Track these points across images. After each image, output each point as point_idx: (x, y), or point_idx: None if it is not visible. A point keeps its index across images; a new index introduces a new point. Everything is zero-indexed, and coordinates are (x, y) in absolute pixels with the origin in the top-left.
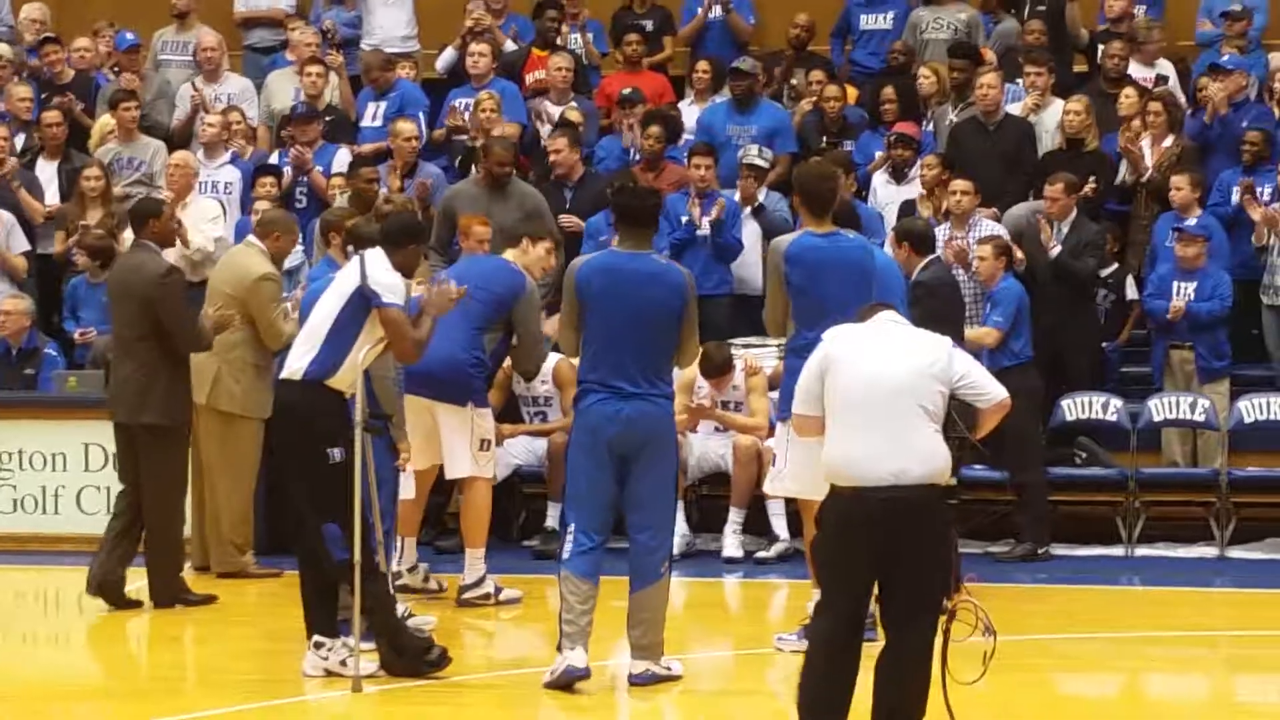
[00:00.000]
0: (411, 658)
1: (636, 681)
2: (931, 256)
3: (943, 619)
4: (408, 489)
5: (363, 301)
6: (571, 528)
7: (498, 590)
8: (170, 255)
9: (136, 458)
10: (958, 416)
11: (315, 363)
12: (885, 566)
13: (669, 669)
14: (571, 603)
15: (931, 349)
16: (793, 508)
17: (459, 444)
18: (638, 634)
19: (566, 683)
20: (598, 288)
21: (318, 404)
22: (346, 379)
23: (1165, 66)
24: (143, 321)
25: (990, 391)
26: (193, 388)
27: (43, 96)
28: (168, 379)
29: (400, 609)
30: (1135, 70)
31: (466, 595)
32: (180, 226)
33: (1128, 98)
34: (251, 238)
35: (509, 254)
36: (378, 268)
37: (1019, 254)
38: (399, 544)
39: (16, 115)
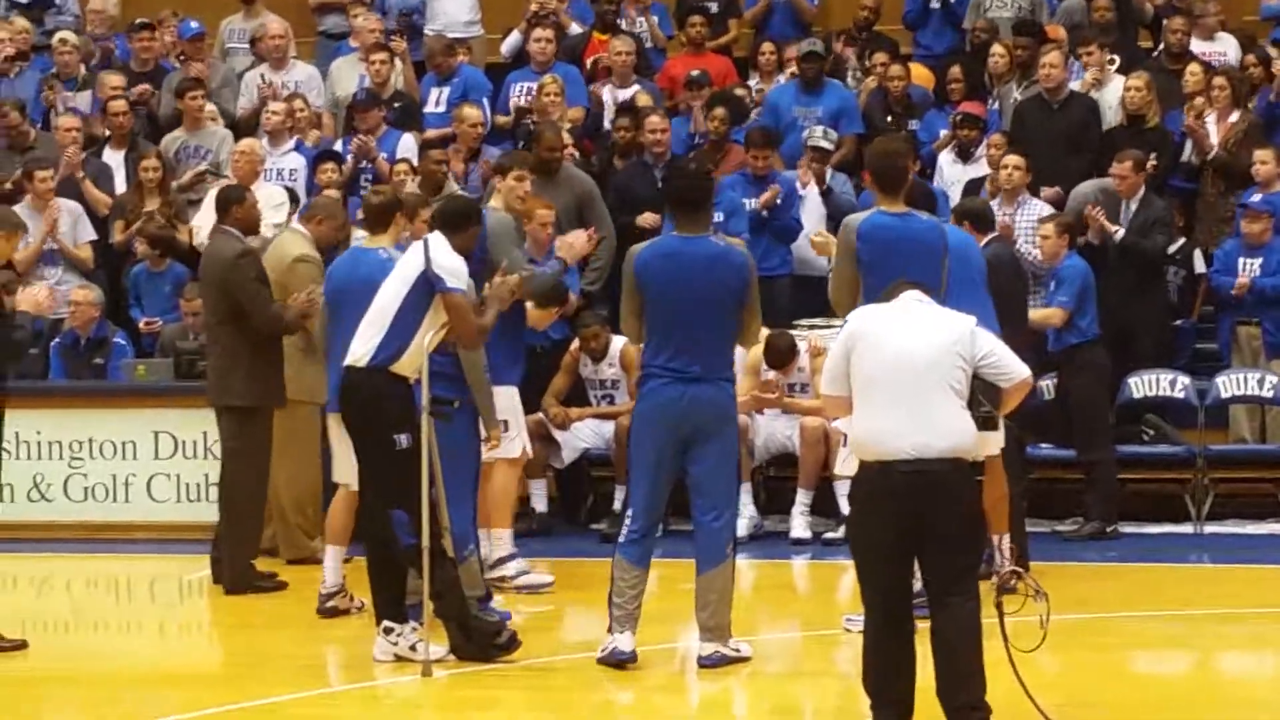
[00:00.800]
0: (481, 642)
1: (705, 663)
2: (993, 235)
3: (993, 594)
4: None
5: (427, 286)
6: (630, 512)
7: (517, 575)
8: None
9: None
10: (982, 395)
11: (381, 348)
12: (915, 540)
13: (738, 650)
14: (621, 587)
15: (954, 327)
16: None
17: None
18: (705, 615)
19: (615, 664)
20: (657, 273)
21: (384, 389)
22: (412, 364)
23: (1226, 41)
24: (222, 305)
25: (1013, 371)
26: None
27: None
28: (249, 361)
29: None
30: (1196, 46)
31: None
32: None
33: (1193, 75)
34: (295, 222)
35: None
36: (441, 252)
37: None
38: (487, 534)
39: (103, 100)
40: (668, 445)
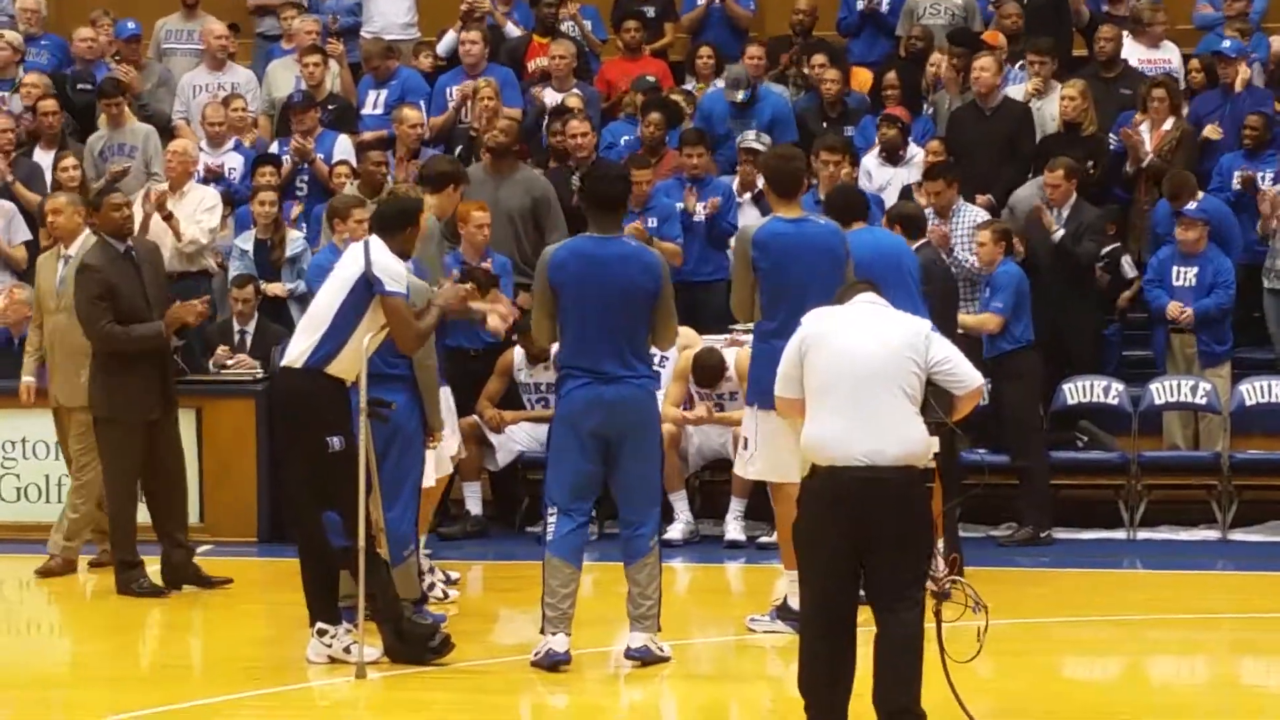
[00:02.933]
0: (414, 644)
1: (633, 655)
2: (923, 240)
3: (933, 601)
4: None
5: (366, 288)
6: (553, 510)
7: (442, 581)
8: (165, 247)
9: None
10: (934, 401)
11: (317, 349)
12: (862, 547)
13: (661, 649)
14: (553, 586)
15: (909, 330)
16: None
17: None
18: (633, 606)
19: (550, 665)
20: (573, 273)
21: (318, 391)
22: (348, 366)
23: (1170, 49)
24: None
25: (967, 378)
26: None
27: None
28: (97, 370)
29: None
30: (1140, 53)
31: None
32: (172, 218)
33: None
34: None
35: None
36: (380, 254)
37: (1019, 246)
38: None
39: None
40: (589, 444)
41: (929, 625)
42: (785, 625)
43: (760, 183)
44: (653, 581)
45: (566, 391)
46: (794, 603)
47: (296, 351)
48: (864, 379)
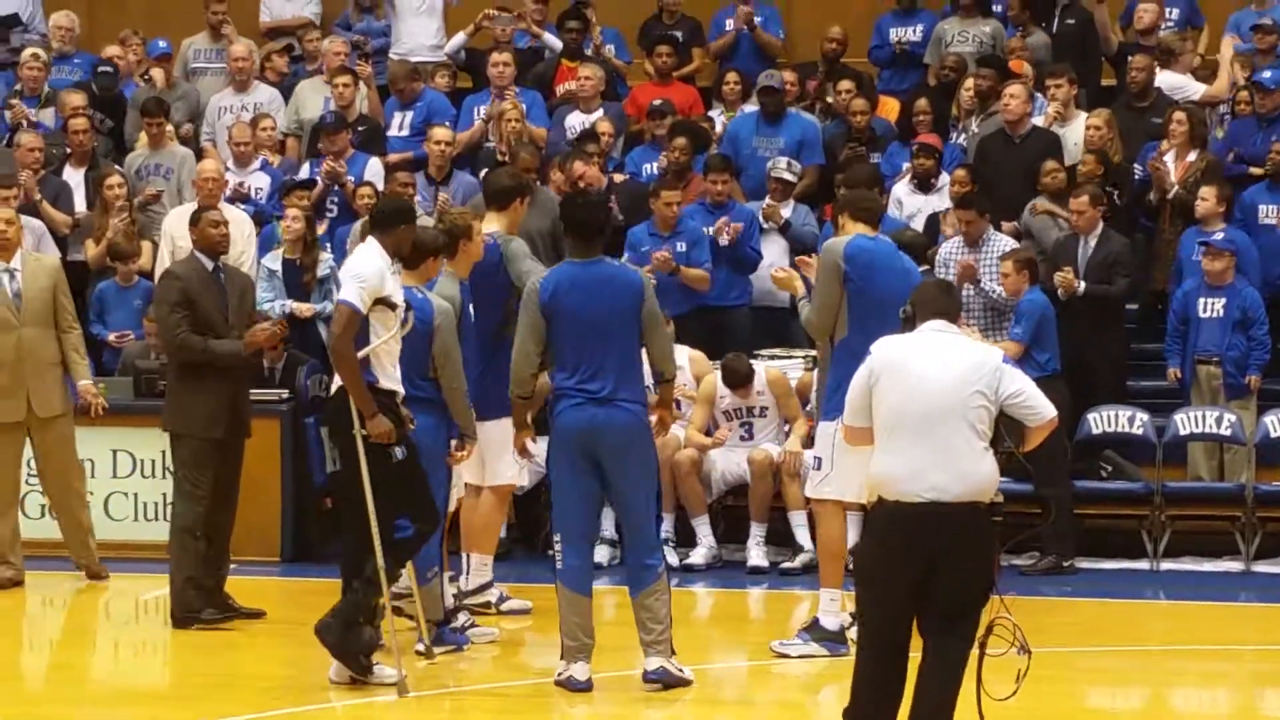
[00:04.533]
0: (350, 645)
1: (651, 678)
2: (925, 267)
3: (980, 632)
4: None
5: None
6: (559, 539)
7: (502, 599)
8: None
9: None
10: (1005, 432)
11: (365, 369)
12: (925, 580)
13: (682, 671)
14: (569, 618)
15: (980, 363)
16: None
17: (495, 453)
18: (644, 632)
19: (572, 690)
20: (564, 298)
21: (380, 407)
22: (390, 376)
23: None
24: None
25: (1041, 409)
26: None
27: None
28: (175, 387)
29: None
30: (1173, 80)
31: (468, 600)
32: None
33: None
34: None
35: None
36: (354, 258)
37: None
38: (464, 560)
39: (64, 120)
40: (584, 464)
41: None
42: (819, 647)
43: (786, 211)
44: (663, 607)
45: (559, 412)
46: (827, 622)
47: None
48: (932, 412)
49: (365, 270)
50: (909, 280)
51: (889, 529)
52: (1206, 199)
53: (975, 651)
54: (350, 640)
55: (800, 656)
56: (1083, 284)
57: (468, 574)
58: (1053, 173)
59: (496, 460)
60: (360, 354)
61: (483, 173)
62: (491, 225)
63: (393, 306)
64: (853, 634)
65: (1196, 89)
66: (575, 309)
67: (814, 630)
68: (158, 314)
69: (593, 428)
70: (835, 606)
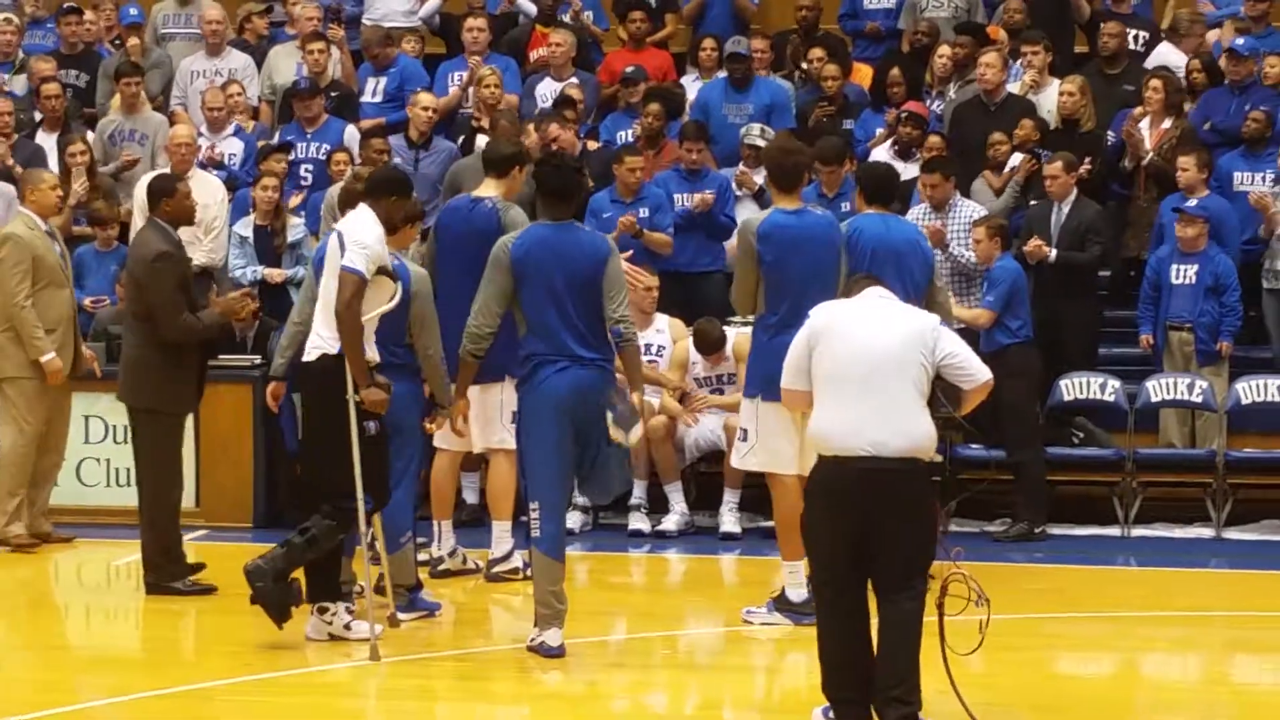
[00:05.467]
0: (275, 596)
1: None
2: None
3: (934, 594)
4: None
5: None
6: (535, 505)
7: (526, 565)
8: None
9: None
10: (943, 395)
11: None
12: (867, 537)
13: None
14: (543, 585)
15: (917, 325)
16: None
17: (490, 416)
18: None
19: (545, 656)
20: (535, 261)
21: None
22: (370, 348)
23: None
24: (137, 302)
25: (976, 372)
26: None
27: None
28: (160, 364)
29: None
30: (1174, 58)
31: (495, 569)
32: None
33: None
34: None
35: (491, 187)
36: (352, 225)
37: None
38: (435, 528)
39: (34, 85)
40: (566, 433)
41: (930, 618)
42: (782, 617)
43: (759, 178)
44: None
45: (544, 378)
46: (792, 594)
47: (324, 338)
48: (872, 370)
49: (368, 238)
50: (831, 257)
51: (828, 488)
52: (1188, 168)
53: (934, 614)
54: (277, 591)
55: (762, 624)
56: (1054, 252)
57: (438, 541)
58: (998, 144)
59: (499, 424)
60: (372, 318)
61: (461, 138)
62: (490, 190)
63: (392, 276)
64: None
65: (1180, 59)
66: (545, 271)
67: (779, 601)
68: (157, 299)
69: (578, 390)
70: (798, 579)
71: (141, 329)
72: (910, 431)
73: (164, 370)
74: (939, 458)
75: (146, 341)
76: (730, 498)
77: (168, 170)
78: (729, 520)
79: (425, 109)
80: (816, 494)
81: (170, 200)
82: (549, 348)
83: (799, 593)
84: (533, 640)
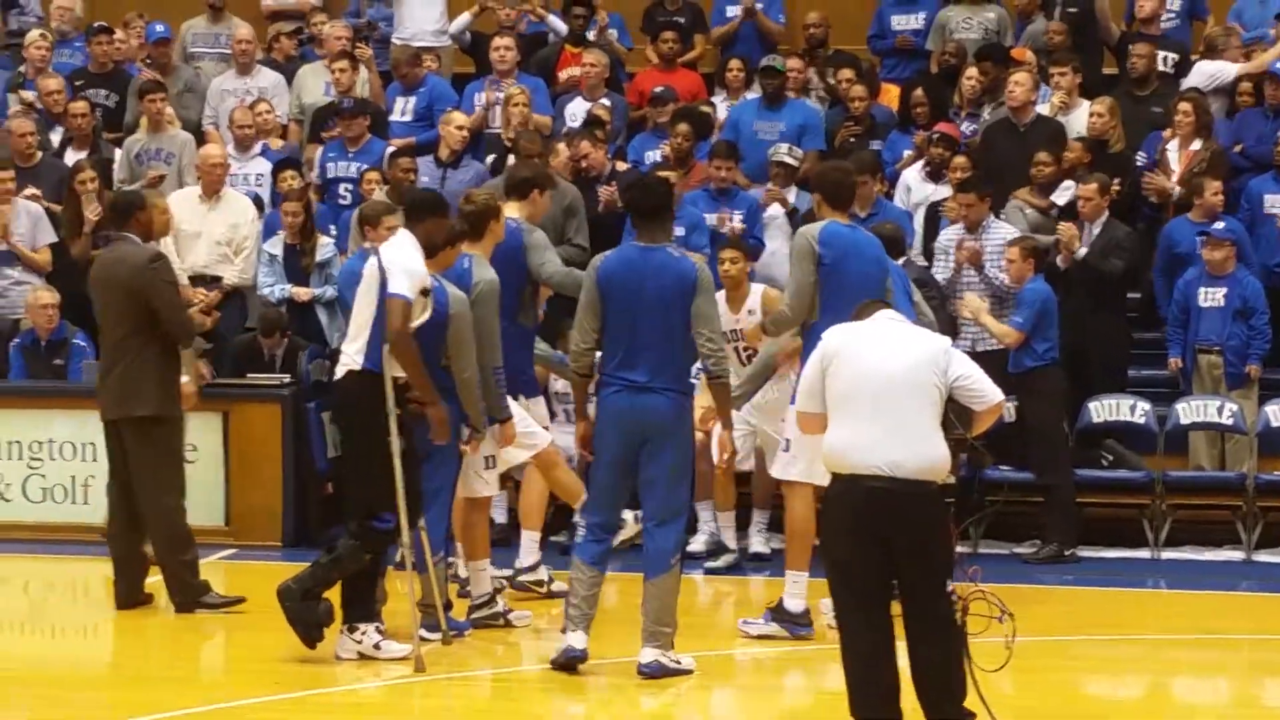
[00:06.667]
0: (301, 616)
1: (645, 672)
2: (903, 259)
3: (958, 615)
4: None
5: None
6: (584, 523)
7: (550, 580)
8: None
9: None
10: (955, 418)
11: (370, 353)
12: (885, 555)
13: (678, 662)
14: (576, 588)
15: (931, 347)
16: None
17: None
18: (648, 621)
19: (567, 663)
20: (618, 282)
21: (380, 394)
22: (394, 367)
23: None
24: (131, 315)
25: (987, 394)
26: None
27: (76, 84)
28: (160, 368)
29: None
30: (1210, 69)
31: (520, 579)
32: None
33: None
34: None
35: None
36: (394, 250)
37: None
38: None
39: (48, 109)
40: (624, 451)
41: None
42: (779, 628)
43: (791, 195)
44: (671, 599)
45: (604, 398)
46: (790, 605)
47: (354, 356)
48: (886, 390)
49: (414, 265)
50: (879, 272)
51: (843, 509)
52: (1218, 193)
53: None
54: (305, 610)
55: (759, 636)
56: (1084, 249)
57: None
58: (1041, 165)
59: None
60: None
61: (490, 158)
62: (513, 212)
63: (427, 295)
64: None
65: (1231, 69)
66: (625, 292)
67: (777, 612)
68: (163, 300)
69: (633, 412)
70: (799, 589)
71: (133, 342)
72: (925, 453)
73: (162, 374)
74: (953, 479)
75: (140, 353)
76: (759, 518)
77: (195, 188)
78: (758, 541)
79: (459, 128)
80: (832, 513)
81: (143, 213)
82: (615, 370)
83: (797, 604)
84: (557, 649)
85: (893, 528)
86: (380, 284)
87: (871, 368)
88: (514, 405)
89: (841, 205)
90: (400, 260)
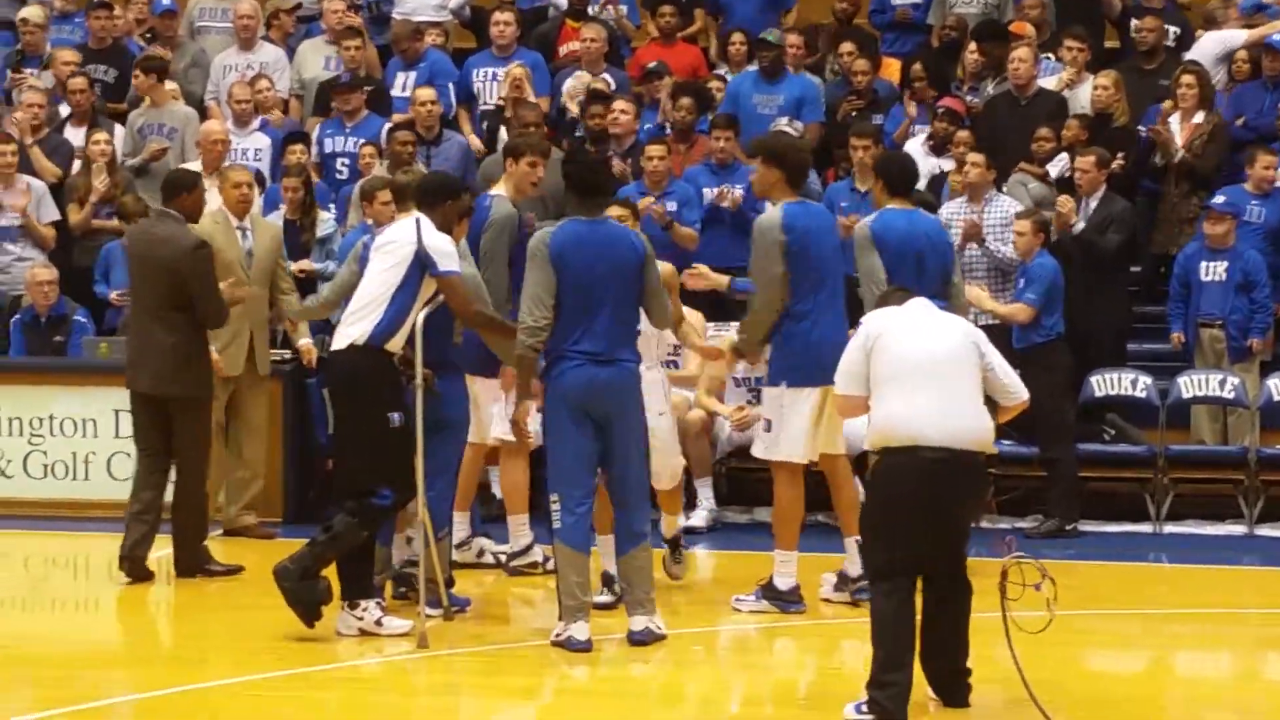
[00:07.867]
0: (301, 594)
1: (637, 639)
2: None
3: (998, 580)
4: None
5: (420, 268)
6: (556, 498)
7: (546, 559)
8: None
9: (165, 429)
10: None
11: (378, 328)
12: (933, 525)
13: (660, 627)
14: (568, 576)
15: (967, 330)
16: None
17: (497, 410)
18: (637, 591)
19: (571, 650)
20: (572, 255)
21: (381, 369)
22: (400, 342)
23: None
24: (175, 294)
25: (1015, 389)
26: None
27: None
28: (200, 350)
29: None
30: (1217, 36)
31: (514, 563)
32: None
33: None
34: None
35: (499, 183)
36: (431, 233)
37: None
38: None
39: (59, 78)
40: (584, 423)
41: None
42: (770, 604)
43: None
44: (649, 566)
45: (560, 373)
46: (780, 583)
47: (357, 330)
48: (940, 364)
49: (444, 243)
50: (936, 257)
51: (903, 480)
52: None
53: (998, 600)
54: (304, 589)
55: (750, 612)
56: (1081, 223)
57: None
58: (1042, 140)
59: (501, 417)
60: (420, 319)
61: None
62: (498, 187)
63: None
64: (825, 593)
65: (1240, 35)
66: (579, 267)
67: (768, 589)
68: (203, 288)
69: (593, 387)
70: (788, 568)
71: (176, 319)
72: (977, 426)
73: (198, 358)
74: (996, 451)
75: (179, 331)
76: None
77: (196, 164)
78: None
79: (424, 104)
80: (890, 483)
81: (190, 195)
82: (570, 344)
83: (787, 581)
84: (558, 635)
85: (948, 494)
86: (412, 265)
87: (919, 345)
88: (495, 384)
89: (903, 190)
90: (437, 244)
